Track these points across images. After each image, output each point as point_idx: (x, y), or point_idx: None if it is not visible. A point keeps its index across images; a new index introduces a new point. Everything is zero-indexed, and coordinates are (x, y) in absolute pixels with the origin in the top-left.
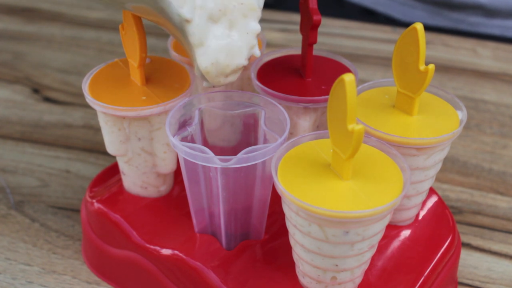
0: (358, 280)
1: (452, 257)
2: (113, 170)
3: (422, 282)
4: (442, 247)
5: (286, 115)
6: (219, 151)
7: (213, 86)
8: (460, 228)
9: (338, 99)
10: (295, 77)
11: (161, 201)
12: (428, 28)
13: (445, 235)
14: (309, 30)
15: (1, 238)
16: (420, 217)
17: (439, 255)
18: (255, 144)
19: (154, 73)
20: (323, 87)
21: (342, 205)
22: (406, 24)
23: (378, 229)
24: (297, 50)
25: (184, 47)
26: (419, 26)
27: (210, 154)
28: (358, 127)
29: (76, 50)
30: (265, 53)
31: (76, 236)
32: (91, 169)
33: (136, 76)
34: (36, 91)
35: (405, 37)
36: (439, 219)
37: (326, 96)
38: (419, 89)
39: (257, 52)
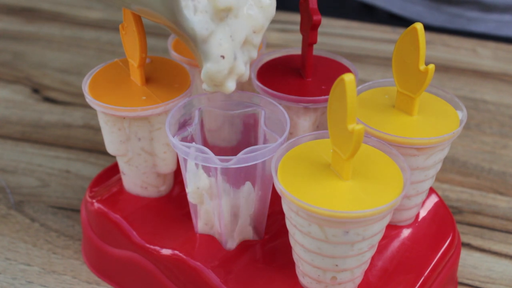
0: (358, 280)
1: (452, 257)
2: (113, 170)
3: (422, 282)
4: (442, 247)
5: (286, 115)
6: (219, 151)
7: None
8: (460, 228)
9: (338, 99)
10: (295, 77)
11: (161, 201)
12: (428, 27)
13: (445, 235)
14: (309, 30)
15: (1, 238)
16: (420, 217)
17: (439, 255)
18: (255, 144)
19: (154, 73)
20: (323, 87)
21: (342, 205)
22: (404, 19)
23: (378, 229)
24: (297, 50)
25: (190, 48)
26: (419, 26)
27: (210, 154)
28: (358, 127)
29: (76, 50)
30: (265, 53)
31: (76, 236)
32: (91, 169)
33: (136, 76)
34: (36, 91)
35: (405, 37)
36: (439, 219)
37: (326, 96)
38: (419, 89)
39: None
